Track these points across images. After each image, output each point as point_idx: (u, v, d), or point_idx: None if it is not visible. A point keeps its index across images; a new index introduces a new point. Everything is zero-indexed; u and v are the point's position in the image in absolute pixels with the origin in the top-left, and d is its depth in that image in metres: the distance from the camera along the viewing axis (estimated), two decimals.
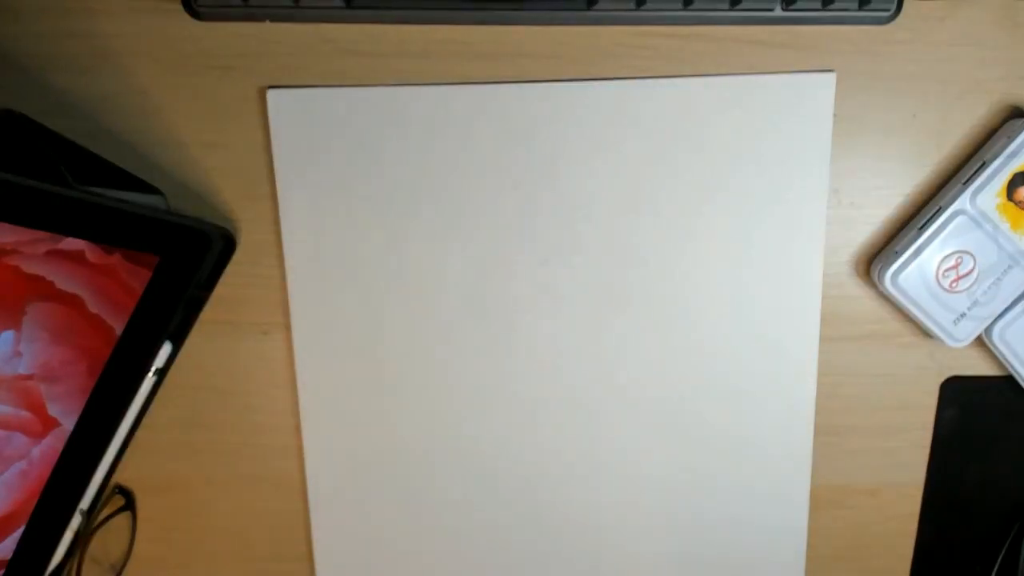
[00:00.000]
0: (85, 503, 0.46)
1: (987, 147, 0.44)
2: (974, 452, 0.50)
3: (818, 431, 0.49)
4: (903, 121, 0.45)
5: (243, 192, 0.45)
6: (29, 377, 0.40)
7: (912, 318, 0.46)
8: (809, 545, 0.51)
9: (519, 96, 0.44)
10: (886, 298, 0.46)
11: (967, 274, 0.44)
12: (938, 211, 0.44)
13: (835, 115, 0.44)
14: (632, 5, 0.42)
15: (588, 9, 0.42)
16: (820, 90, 0.44)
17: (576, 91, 0.44)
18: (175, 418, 0.48)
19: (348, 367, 0.47)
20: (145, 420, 0.47)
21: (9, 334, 0.39)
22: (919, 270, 0.44)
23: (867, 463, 0.50)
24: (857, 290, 0.47)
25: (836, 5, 0.42)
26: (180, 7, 0.42)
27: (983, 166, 0.43)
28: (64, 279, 0.39)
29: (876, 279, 0.45)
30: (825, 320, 0.47)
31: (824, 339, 0.47)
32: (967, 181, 0.43)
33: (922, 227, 0.44)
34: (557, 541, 0.51)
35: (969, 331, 0.45)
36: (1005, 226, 0.44)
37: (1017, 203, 0.43)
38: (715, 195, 0.45)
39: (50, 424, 0.41)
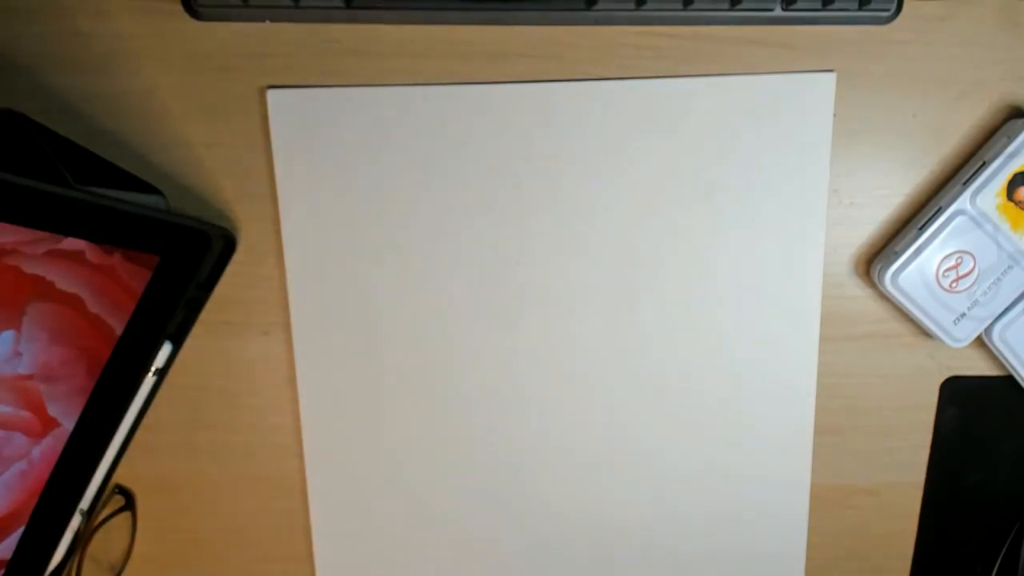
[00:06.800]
0: (85, 503, 0.46)
1: (987, 147, 0.44)
2: (974, 452, 0.50)
3: (818, 431, 0.49)
4: (903, 121, 0.45)
5: (243, 192, 0.45)
6: (29, 377, 0.40)
7: (912, 318, 0.46)
8: (809, 545, 0.51)
9: (519, 96, 0.44)
10: (886, 298, 0.46)
11: (967, 274, 0.44)
12: (938, 211, 0.44)
13: (835, 115, 0.44)
14: (632, 5, 0.42)
15: (588, 9, 0.42)
16: (820, 90, 0.44)
17: (576, 91, 0.44)
18: (175, 418, 0.48)
19: (348, 367, 0.47)
20: (145, 420, 0.47)
21: (9, 334, 0.39)
22: (919, 270, 0.44)
23: (867, 463, 0.50)
24: (857, 290, 0.47)
25: (836, 5, 0.42)
26: (180, 7, 0.42)
27: (983, 166, 0.43)
28: (64, 279, 0.39)
29: (876, 279, 0.45)
30: (825, 320, 0.47)
31: (824, 339, 0.47)
32: (967, 181, 0.43)
33: (922, 227, 0.44)
34: (557, 538, 0.51)
35: (969, 331, 0.45)
36: (1005, 226, 0.44)
37: (1017, 203, 0.43)
38: (715, 195, 0.45)
39: (50, 424, 0.41)
